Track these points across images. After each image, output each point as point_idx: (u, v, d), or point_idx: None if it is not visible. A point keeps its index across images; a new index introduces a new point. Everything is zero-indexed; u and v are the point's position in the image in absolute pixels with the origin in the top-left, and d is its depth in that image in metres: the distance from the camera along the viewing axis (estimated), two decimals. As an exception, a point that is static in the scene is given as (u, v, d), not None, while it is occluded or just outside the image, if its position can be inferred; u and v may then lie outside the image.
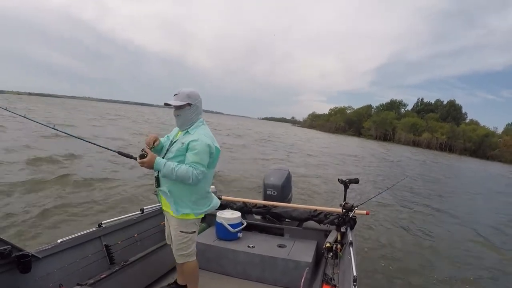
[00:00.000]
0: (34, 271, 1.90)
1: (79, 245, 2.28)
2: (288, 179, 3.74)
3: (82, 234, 2.32)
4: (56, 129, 2.57)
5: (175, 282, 2.53)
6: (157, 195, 2.27)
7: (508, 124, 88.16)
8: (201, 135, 2.13)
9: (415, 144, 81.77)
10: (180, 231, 2.19)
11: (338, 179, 3.19)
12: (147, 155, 2.02)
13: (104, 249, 2.46)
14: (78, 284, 2.04)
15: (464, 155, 73.41)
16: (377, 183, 11.92)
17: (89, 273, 2.27)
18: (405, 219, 7.46)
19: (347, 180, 3.10)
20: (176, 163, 2.05)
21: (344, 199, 3.05)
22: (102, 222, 2.53)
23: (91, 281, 2.18)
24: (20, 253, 1.83)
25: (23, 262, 1.82)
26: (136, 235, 2.81)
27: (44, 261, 2.00)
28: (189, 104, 2.16)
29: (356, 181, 3.11)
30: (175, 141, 2.22)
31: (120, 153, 2.28)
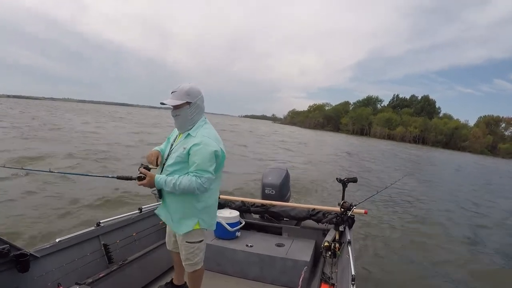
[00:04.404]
0: (33, 270, 1.87)
1: (78, 244, 2.24)
2: (286, 178, 3.74)
3: (80, 233, 2.28)
4: (52, 171, 2.57)
5: (172, 282, 2.48)
6: (155, 194, 2.18)
7: (480, 117, 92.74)
8: (204, 137, 1.91)
9: (390, 137, 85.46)
10: (186, 242, 2.06)
11: (337, 178, 3.20)
12: (145, 177, 1.91)
13: (103, 248, 2.42)
14: (76, 283, 2.01)
15: (437, 146, 76.84)
16: (375, 182, 11.98)
17: (88, 272, 2.23)
18: (403, 217, 7.49)
19: (345, 179, 3.11)
20: (177, 177, 1.87)
21: (343, 198, 3.06)
22: (101, 221, 2.49)
23: (90, 280, 2.15)
24: (19, 252, 1.79)
25: (22, 261, 1.79)
26: (134, 234, 2.77)
27: (43, 260, 1.96)
28: (188, 103, 1.93)
29: (354, 180, 3.12)
30: (176, 145, 2.02)
31: (118, 177, 2.17)
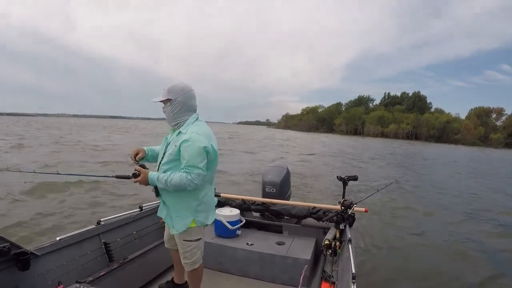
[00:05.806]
0: (33, 268, 1.87)
1: (78, 242, 2.24)
2: (286, 176, 3.70)
3: (80, 232, 2.28)
4: (60, 173, 2.66)
5: (172, 280, 2.48)
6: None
7: (471, 109, 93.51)
8: (194, 133, 1.91)
9: (383, 135, 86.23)
10: (184, 240, 2.06)
11: (337, 177, 3.18)
12: (139, 174, 1.94)
13: (103, 246, 2.43)
14: (77, 282, 1.99)
15: (429, 141, 77.30)
16: (376, 180, 11.90)
17: (88, 270, 2.23)
18: (404, 215, 7.42)
19: (346, 178, 3.11)
20: (169, 173, 1.90)
21: (343, 196, 3.06)
22: (101, 219, 2.49)
23: (90, 278, 2.14)
24: (19, 250, 1.79)
25: (22, 260, 1.79)
26: (135, 232, 2.77)
27: (43, 259, 1.96)
28: (169, 100, 1.97)
29: (355, 178, 3.12)
30: (169, 143, 2.05)
31: (117, 176, 2.21)
